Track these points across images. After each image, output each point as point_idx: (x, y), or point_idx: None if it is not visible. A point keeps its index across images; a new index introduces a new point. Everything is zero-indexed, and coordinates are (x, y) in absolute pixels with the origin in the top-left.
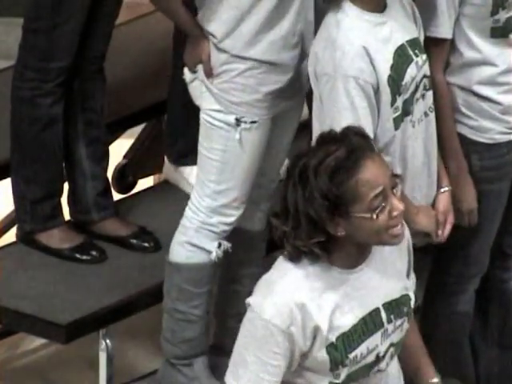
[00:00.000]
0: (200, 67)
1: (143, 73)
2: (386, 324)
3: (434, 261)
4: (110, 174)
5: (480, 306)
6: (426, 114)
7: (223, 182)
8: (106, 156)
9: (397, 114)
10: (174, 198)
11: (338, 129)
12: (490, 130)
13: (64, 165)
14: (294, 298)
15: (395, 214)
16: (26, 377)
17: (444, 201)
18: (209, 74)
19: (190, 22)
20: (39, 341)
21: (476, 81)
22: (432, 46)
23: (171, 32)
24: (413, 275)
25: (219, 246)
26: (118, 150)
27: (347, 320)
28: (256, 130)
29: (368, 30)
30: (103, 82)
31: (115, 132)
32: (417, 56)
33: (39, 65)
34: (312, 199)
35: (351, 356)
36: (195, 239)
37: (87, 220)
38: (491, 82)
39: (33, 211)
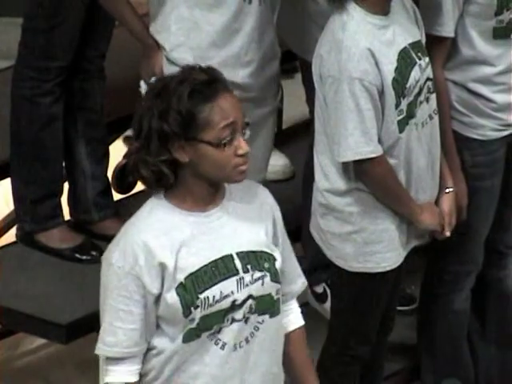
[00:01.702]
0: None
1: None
2: (241, 272)
3: (429, 260)
4: (110, 174)
5: (477, 305)
6: (430, 117)
7: None
8: (106, 156)
9: (401, 117)
10: None
11: (343, 131)
12: (482, 127)
13: (64, 165)
14: (136, 238)
15: (240, 152)
16: (26, 377)
17: (449, 202)
18: None
19: (141, 32)
20: (39, 341)
21: (472, 79)
22: (434, 43)
23: None
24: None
25: None
26: (118, 150)
27: (195, 261)
28: None
29: (372, 32)
30: (103, 82)
31: (115, 132)
32: (420, 59)
33: (39, 64)
34: (167, 114)
35: (202, 296)
36: None
37: (87, 220)
38: (487, 81)
39: (33, 211)
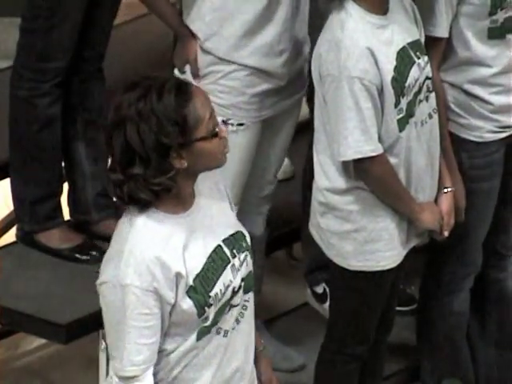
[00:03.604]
0: (188, 67)
1: (143, 73)
2: (231, 259)
3: (428, 261)
4: None
5: (477, 306)
6: (430, 116)
7: None
8: (105, 156)
9: (401, 116)
10: None
11: (342, 130)
12: (479, 129)
13: (64, 165)
14: (147, 255)
15: (223, 134)
16: (26, 377)
17: (447, 201)
18: (195, 74)
19: (176, 21)
20: (39, 341)
21: (468, 80)
22: (428, 44)
23: (171, 32)
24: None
25: None
26: None
27: (197, 261)
28: (243, 133)
29: (371, 31)
30: (102, 82)
31: None
32: (418, 58)
33: (37, 65)
34: (162, 128)
35: (213, 294)
36: None
37: (87, 220)
38: (483, 83)
39: (32, 211)
